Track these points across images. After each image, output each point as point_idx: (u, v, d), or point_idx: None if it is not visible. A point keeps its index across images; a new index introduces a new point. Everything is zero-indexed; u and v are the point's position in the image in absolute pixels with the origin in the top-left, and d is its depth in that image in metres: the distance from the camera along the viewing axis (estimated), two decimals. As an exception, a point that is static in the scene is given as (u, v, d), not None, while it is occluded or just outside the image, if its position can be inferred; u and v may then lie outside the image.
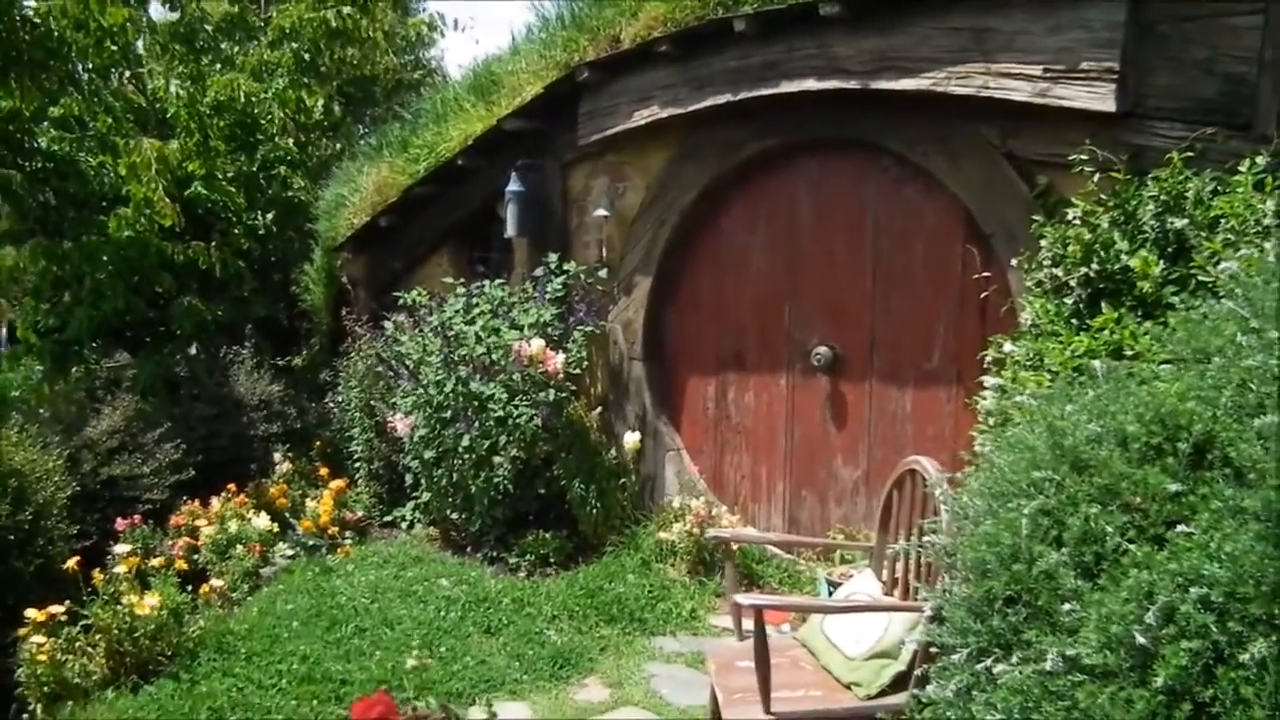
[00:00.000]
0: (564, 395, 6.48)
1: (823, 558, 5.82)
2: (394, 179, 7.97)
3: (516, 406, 6.35)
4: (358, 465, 7.30)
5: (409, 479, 6.96)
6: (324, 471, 7.07)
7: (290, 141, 8.10)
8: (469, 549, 6.64)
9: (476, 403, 6.44)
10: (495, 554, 6.49)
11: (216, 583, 5.87)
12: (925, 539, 3.82)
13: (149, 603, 4.86)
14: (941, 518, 3.73)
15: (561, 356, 6.42)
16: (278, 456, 7.15)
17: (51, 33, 6.50)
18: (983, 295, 5.57)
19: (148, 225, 6.83)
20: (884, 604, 3.84)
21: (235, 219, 7.59)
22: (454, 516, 6.63)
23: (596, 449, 6.62)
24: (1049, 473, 2.69)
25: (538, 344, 6.42)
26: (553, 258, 6.87)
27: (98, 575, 5.07)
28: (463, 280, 7.04)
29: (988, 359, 5.08)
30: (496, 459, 6.36)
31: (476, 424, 6.34)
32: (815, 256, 6.26)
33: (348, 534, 6.71)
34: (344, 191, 8.36)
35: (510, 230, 7.12)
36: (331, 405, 7.76)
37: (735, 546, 6.22)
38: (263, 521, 6.30)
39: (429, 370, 6.63)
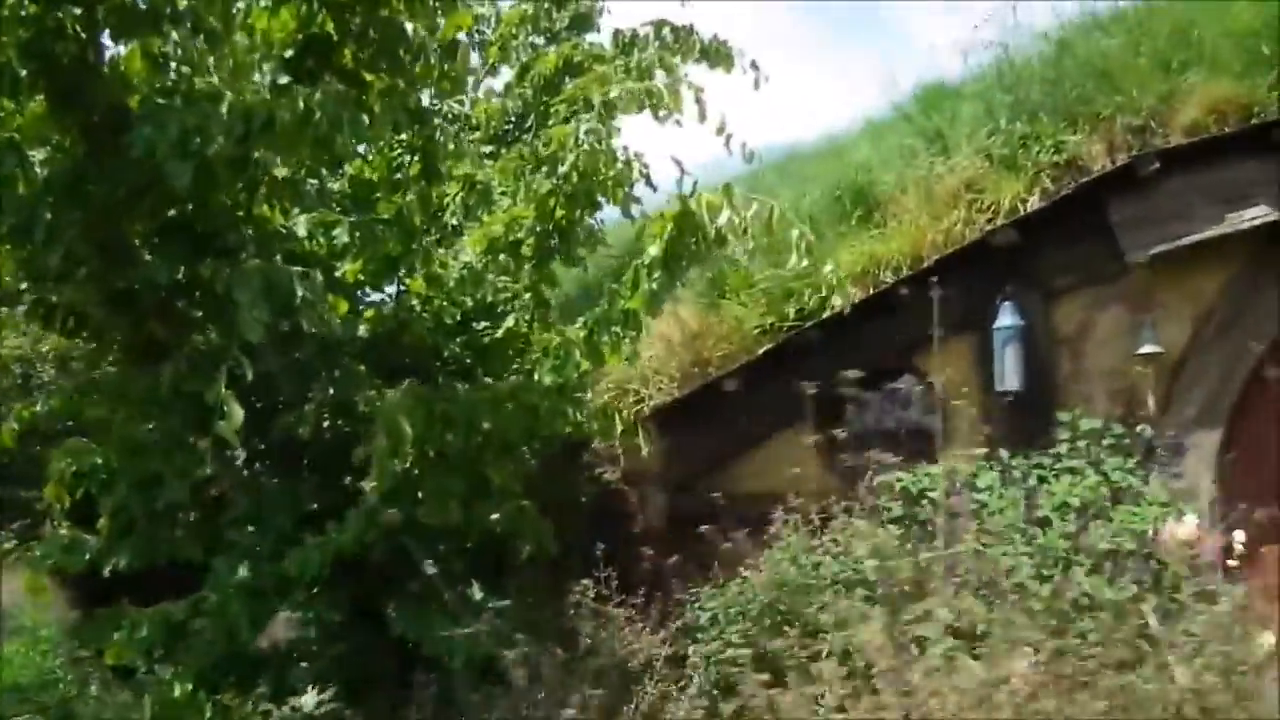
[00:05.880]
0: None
1: None
2: (722, 326, 5.62)
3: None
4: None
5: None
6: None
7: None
8: None
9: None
10: None
11: None
12: None
13: None
14: None
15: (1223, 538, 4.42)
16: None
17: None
18: None
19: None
20: None
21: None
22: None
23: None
24: None
25: (1190, 521, 4.39)
26: (1066, 416, 4.95)
27: None
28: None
29: None
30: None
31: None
32: None
33: None
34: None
35: (1012, 382, 5.16)
36: (695, 656, 4.86)
37: None
38: None
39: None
